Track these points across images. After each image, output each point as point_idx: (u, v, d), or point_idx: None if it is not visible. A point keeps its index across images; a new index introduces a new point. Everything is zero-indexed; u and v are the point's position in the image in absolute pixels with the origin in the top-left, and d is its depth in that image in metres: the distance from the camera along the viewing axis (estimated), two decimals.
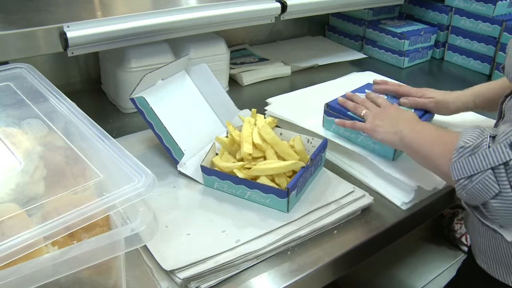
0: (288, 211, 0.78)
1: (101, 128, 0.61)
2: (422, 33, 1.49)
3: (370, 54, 1.56)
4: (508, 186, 0.58)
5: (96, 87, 1.24)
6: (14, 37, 0.82)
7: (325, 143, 0.88)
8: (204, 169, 0.83)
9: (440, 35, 1.54)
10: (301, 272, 0.69)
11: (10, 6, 0.94)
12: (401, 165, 0.87)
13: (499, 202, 0.59)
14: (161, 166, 0.89)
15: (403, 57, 1.47)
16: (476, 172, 0.60)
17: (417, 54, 1.51)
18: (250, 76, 1.32)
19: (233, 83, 1.30)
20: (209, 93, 1.01)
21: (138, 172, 0.53)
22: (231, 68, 1.30)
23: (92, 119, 0.64)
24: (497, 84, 0.94)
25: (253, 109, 0.92)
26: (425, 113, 0.96)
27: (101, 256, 0.49)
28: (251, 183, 0.79)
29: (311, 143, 0.90)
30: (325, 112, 0.96)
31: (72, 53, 0.87)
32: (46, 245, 0.48)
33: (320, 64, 1.45)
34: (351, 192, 0.83)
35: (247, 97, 1.25)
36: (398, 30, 1.48)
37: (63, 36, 0.84)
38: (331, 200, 0.80)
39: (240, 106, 1.01)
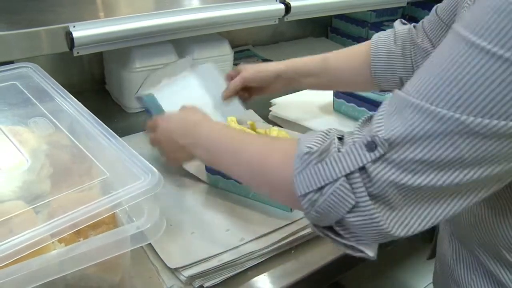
0: (291, 210, 0.78)
1: (107, 127, 0.62)
2: None
3: None
4: (365, 194, 0.44)
5: (100, 87, 1.25)
6: (19, 37, 0.82)
7: None
8: (208, 168, 0.84)
9: None
10: (305, 271, 0.70)
11: (14, 6, 0.94)
12: None
13: (356, 216, 0.45)
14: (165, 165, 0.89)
15: None
16: (327, 182, 0.46)
17: None
18: None
19: None
20: (215, 93, 1.01)
21: (144, 171, 0.54)
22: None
23: None
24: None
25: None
26: None
27: (107, 253, 0.50)
28: None
29: None
30: (335, 94, 1.00)
31: (78, 53, 0.87)
32: (53, 242, 0.48)
33: None
34: None
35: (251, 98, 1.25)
36: None
37: (69, 36, 0.84)
38: None
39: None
